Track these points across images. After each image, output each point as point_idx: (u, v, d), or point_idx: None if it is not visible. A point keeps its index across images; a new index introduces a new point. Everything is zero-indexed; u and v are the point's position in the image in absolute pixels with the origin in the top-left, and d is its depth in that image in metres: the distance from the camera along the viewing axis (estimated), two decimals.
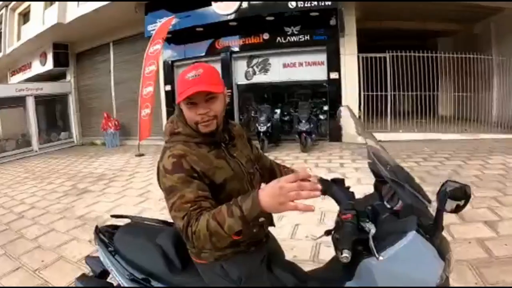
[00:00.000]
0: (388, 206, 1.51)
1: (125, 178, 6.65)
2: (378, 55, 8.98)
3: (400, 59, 8.96)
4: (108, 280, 1.89)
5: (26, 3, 13.13)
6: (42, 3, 11.96)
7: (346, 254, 1.27)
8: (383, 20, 10.33)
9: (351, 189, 1.66)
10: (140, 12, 10.13)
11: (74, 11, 10.86)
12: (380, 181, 1.64)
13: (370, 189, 1.66)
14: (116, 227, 1.93)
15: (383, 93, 9.16)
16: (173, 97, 10.79)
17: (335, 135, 9.12)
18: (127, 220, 2.02)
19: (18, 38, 13.74)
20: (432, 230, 1.40)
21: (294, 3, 8.33)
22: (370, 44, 9.20)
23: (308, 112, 8.28)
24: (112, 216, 2.12)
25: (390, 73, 9.06)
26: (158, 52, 9.40)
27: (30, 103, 11.69)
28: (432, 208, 1.45)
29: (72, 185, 6.39)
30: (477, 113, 9.41)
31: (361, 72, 9.02)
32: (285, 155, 7.66)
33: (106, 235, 1.88)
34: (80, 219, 4.51)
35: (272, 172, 1.81)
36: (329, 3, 8.16)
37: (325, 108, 9.41)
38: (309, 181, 1.14)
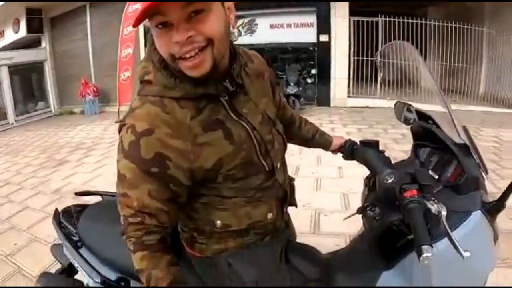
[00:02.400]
0: (435, 176, 1.17)
1: (105, 146, 6.35)
2: (370, 19, 8.63)
3: (392, 25, 8.61)
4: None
5: None
6: None
7: (428, 254, 0.85)
8: None
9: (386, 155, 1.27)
10: None
11: None
12: (420, 145, 1.32)
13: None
14: (84, 207, 1.49)
15: (373, 59, 8.82)
16: None
17: (323, 99, 8.92)
18: (98, 198, 1.61)
19: None
20: (494, 210, 1.10)
21: None
22: (361, 8, 8.83)
23: (297, 74, 8.02)
24: (77, 193, 1.70)
25: (381, 38, 8.71)
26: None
27: (4, 73, 10.99)
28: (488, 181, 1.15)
29: (48, 157, 6.03)
30: (465, 85, 9.17)
31: (351, 36, 8.68)
32: None
33: (70, 220, 1.43)
34: (56, 193, 4.23)
35: (290, 125, 1.33)
36: None
37: (313, 71, 9.13)
38: None
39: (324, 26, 8.68)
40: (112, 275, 1.26)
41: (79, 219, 1.40)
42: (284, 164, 1.09)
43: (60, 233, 1.41)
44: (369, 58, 8.77)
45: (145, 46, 8.91)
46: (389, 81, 9.16)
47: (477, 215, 1.05)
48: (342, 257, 1.37)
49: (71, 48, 12.25)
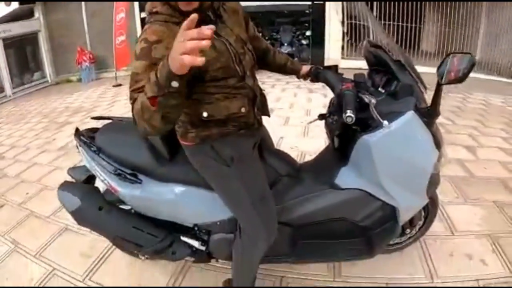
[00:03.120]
0: (383, 91, 1.45)
1: (104, 108, 6.50)
2: None
3: None
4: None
5: None
6: None
7: (350, 114, 1.19)
8: None
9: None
10: None
11: None
12: (374, 70, 1.58)
13: None
14: (96, 129, 1.82)
15: (367, 24, 8.80)
16: None
17: (317, 60, 8.84)
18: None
19: None
20: (429, 114, 1.36)
21: None
22: None
23: (291, 35, 8.06)
24: (93, 118, 1.97)
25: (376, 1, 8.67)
26: None
27: None
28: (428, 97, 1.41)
29: (50, 121, 6.18)
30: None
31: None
32: (267, 78, 7.57)
33: (87, 137, 1.76)
34: (62, 150, 4.41)
35: (265, 54, 1.70)
36: None
37: (308, 33, 9.14)
38: None
39: None
40: (124, 170, 1.58)
41: (94, 136, 1.74)
42: (253, 74, 1.44)
43: (82, 145, 1.72)
44: (363, 23, 8.65)
45: (140, 11, 8.86)
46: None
47: (409, 114, 1.32)
48: (310, 161, 1.74)
49: (64, 17, 12.07)
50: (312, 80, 1.71)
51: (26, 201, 3.14)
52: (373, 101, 1.25)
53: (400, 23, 8.87)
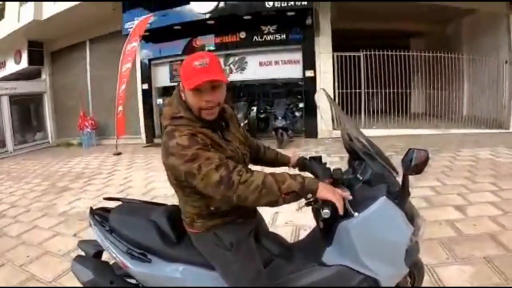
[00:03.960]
0: (361, 178, 1.69)
1: (104, 177, 6.59)
2: (352, 54, 9.26)
3: (374, 58, 9.28)
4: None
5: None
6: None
7: (326, 210, 1.44)
8: (358, 20, 10.58)
9: (327, 166, 1.87)
10: (118, 10, 10.10)
11: (50, 8, 10.68)
12: (353, 158, 1.85)
13: None
14: (108, 209, 2.02)
15: (357, 91, 9.45)
16: (150, 95, 10.87)
17: (311, 131, 9.36)
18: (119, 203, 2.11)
19: None
20: (400, 196, 1.62)
21: (271, 3, 8.51)
22: (345, 43, 9.47)
23: (284, 108, 8.47)
24: (105, 198, 2.21)
25: (364, 71, 9.36)
26: (134, 50, 9.42)
27: (5, 102, 11.41)
28: (399, 178, 1.64)
29: (51, 184, 6.29)
30: (449, 110, 9.84)
31: (335, 71, 9.29)
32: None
33: (101, 216, 1.98)
34: (63, 216, 4.46)
35: (257, 151, 1.95)
36: (305, 3, 8.40)
37: (301, 105, 9.64)
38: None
39: (309, 62, 9.26)
40: (135, 249, 1.76)
41: (106, 216, 1.93)
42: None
43: (96, 223, 1.92)
44: (353, 91, 9.37)
45: (142, 83, 9.44)
46: (374, 111, 9.76)
47: (381, 200, 1.58)
48: (300, 241, 2.00)
49: (70, 81, 12.71)
50: (300, 170, 1.98)
51: (27, 264, 3.17)
52: (349, 197, 1.50)
53: (391, 90, 9.48)
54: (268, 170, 1.63)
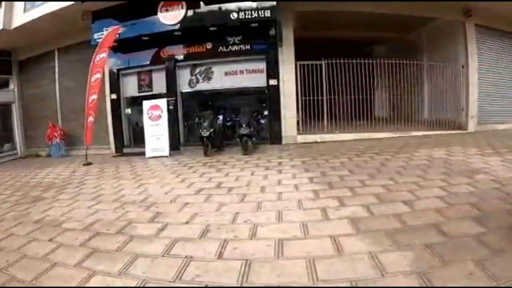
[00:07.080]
0: None
1: (76, 185, 6.66)
2: (314, 62, 9.69)
3: (336, 66, 9.74)
4: None
5: None
6: None
7: None
8: (320, 30, 11.06)
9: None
10: (87, 20, 10.15)
11: (20, 17, 10.62)
12: None
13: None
14: None
15: (320, 98, 9.88)
16: (119, 105, 10.94)
17: (276, 138, 9.73)
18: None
19: None
20: None
21: (235, 15, 8.85)
22: (308, 51, 9.87)
23: (249, 116, 8.77)
24: None
25: (325, 78, 9.79)
26: (104, 61, 9.50)
27: None
28: None
29: (23, 194, 6.33)
30: (411, 113, 10.43)
31: (298, 79, 9.66)
32: (228, 158, 8.04)
33: None
34: (38, 223, 4.53)
35: None
36: (268, 15, 8.74)
37: (266, 113, 9.94)
38: None
39: (273, 71, 9.61)
40: None
41: None
42: None
43: None
44: (316, 98, 9.81)
45: (110, 92, 9.58)
46: (336, 117, 10.22)
47: None
48: None
49: (39, 91, 12.57)
50: None
51: (7, 267, 3.23)
52: None
53: (355, 96, 9.98)
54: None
